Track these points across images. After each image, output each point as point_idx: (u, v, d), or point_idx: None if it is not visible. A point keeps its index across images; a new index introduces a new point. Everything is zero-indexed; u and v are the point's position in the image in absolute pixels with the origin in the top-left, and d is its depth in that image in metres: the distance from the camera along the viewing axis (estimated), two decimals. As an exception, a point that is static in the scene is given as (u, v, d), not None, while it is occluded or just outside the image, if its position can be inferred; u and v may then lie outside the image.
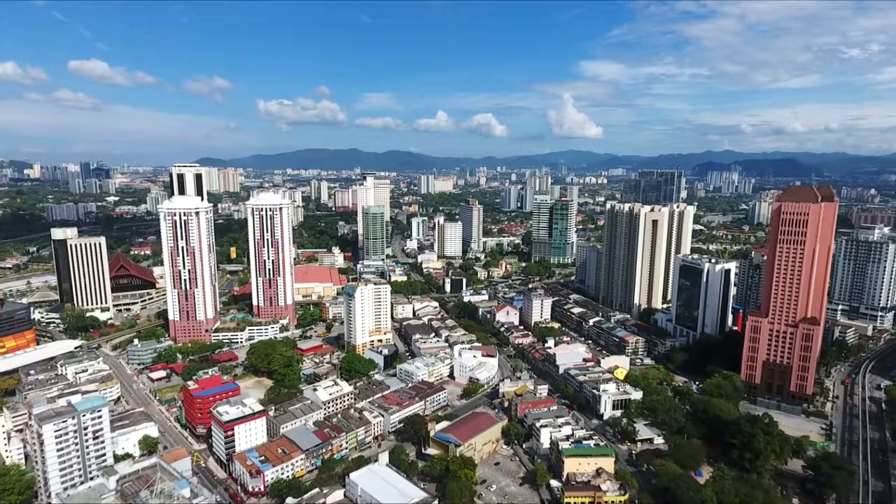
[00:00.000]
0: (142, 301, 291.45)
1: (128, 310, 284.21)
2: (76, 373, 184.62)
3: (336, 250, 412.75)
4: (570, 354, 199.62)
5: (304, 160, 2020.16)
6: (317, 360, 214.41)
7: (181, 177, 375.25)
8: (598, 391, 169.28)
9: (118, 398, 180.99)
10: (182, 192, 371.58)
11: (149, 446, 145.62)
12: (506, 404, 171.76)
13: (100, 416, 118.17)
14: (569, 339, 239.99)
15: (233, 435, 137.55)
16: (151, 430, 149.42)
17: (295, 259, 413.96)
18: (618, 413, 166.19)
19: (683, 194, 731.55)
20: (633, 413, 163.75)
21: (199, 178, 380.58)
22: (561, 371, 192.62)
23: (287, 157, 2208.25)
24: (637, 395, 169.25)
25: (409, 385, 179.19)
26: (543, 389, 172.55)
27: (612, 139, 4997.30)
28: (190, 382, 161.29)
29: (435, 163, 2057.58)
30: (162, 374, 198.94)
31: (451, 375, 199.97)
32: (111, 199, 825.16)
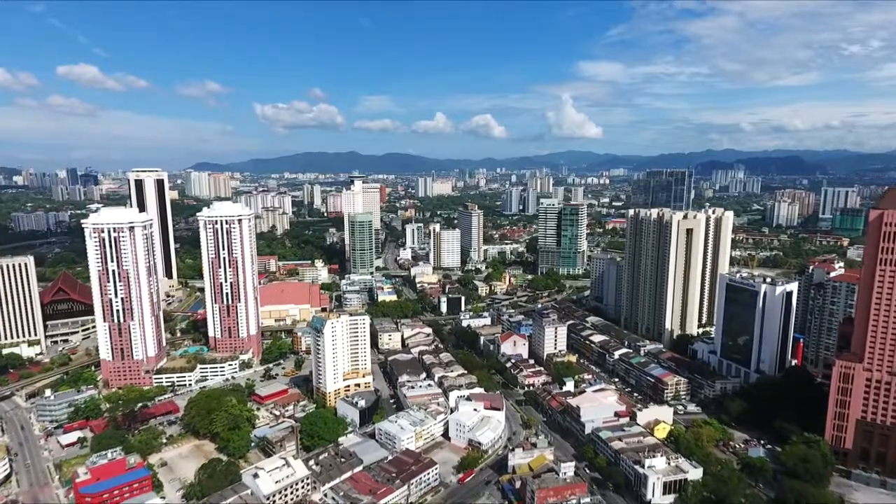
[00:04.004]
0: (83, 330, 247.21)
1: (66, 341, 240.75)
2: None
3: (319, 263, 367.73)
4: (597, 408, 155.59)
5: (303, 164, 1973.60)
6: (277, 413, 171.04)
7: (139, 183, 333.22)
8: (643, 467, 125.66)
9: (7, 476, 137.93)
10: (141, 200, 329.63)
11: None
12: (517, 484, 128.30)
13: None
14: (591, 376, 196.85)
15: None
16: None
17: (275, 273, 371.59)
18: (670, 499, 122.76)
19: (691, 194, 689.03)
20: (692, 501, 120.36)
21: (160, 184, 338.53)
22: (587, 430, 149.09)
23: (285, 161, 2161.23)
24: (695, 472, 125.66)
25: (390, 457, 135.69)
26: (569, 467, 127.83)
27: (611, 139, 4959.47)
28: (81, 469, 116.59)
29: (434, 165, 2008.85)
30: (74, 437, 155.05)
31: (446, 435, 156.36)
32: (94, 206, 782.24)
